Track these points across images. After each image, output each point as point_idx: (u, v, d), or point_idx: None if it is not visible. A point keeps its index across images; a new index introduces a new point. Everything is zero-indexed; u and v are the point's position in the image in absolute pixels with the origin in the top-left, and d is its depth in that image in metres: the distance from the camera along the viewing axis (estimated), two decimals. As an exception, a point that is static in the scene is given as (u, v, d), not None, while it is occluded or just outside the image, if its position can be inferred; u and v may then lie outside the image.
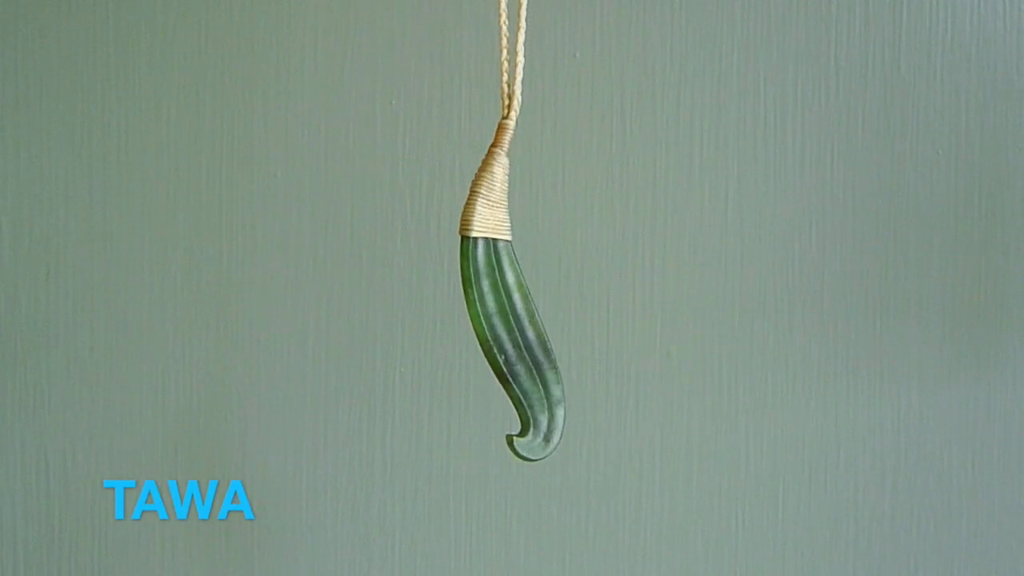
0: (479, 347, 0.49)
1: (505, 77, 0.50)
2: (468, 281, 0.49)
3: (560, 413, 0.51)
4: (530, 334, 0.50)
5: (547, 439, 0.51)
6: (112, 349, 0.73)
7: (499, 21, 0.49)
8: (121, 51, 0.72)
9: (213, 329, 0.72)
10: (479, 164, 0.49)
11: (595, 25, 0.71)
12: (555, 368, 0.51)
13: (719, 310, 0.72)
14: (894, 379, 0.73)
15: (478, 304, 0.49)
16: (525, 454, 0.50)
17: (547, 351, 0.51)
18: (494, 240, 0.49)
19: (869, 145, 0.72)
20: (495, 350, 0.49)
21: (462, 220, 0.49)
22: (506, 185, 0.49)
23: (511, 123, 0.49)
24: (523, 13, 0.49)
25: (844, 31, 0.72)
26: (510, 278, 0.50)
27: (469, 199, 0.49)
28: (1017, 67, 0.72)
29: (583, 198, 0.72)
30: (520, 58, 0.49)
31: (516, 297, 0.50)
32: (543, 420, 0.50)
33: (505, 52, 0.49)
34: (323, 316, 0.72)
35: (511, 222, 0.50)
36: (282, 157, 0.72)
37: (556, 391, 0.50)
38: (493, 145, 0.49)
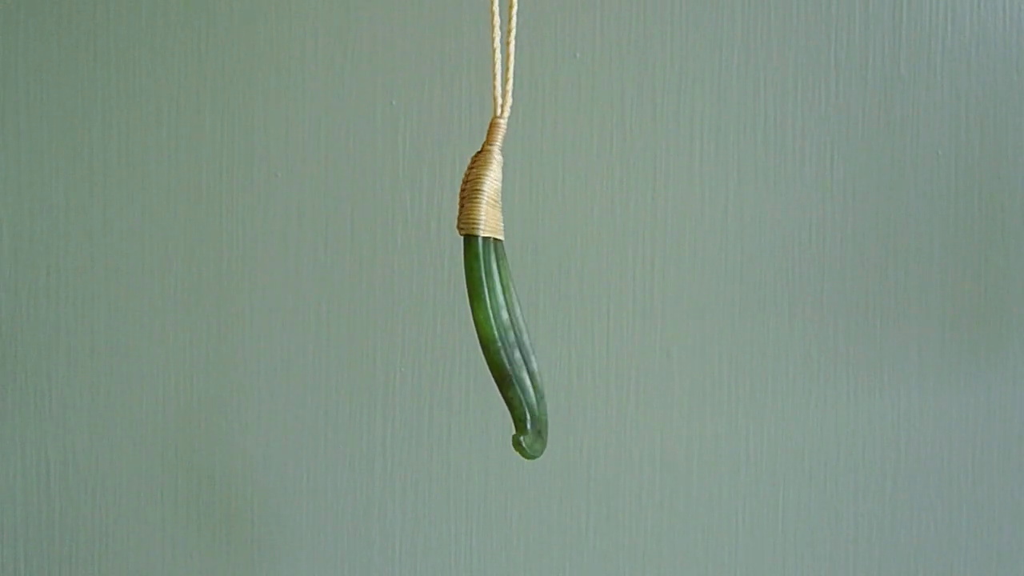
0: (482, 348, 0.48)
1: (497, 76, 0.49)
2: (479, 282, 0.48)
3: (545, 406, 0.50)
4: (524, 332, 0.50)
5: (540, 434, 0.50)
6: (112, 349, 0.73)
7: (491, 21, 0.49)
8: (121, 51, 0.72)
9: (213, 329, 0.72)
10: (471, 162, 0.48)
11: (595, 25, 0.71)
12: (534, 360, 0.50)
13: (719, 310, 0.72)
14: (894, 379, 0.73)
15: (488, 306, 0.48)
16: (532, 452, 0.50)
17: (531, 345, 0.50)
18: (495, 240, 0.49)
19: (869, 145, 0.72)
20: (502, 351, 0.48)
21: (469, 220, 0.47)
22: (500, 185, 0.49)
23: (503, 122, 0.49)
24: (514, 12, 0.49)
25: (844, 31, 0.72)
26: (505, 277, 0.49)
27: (472, 198, 0.47)
28: (1017, 67, 0.72)
29: (583, 198, 0.72)
30: (511, 56, 0.49)
31: (513, 296, 0.50)
32: (532, 415, 0.50)
33: (497, 51, 0.49)
34: (323, 316, 0.72)
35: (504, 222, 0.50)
36: (282, 157, 0.72)
37: (540, 384, 0.50)
38: (488, 143, 0.48)
